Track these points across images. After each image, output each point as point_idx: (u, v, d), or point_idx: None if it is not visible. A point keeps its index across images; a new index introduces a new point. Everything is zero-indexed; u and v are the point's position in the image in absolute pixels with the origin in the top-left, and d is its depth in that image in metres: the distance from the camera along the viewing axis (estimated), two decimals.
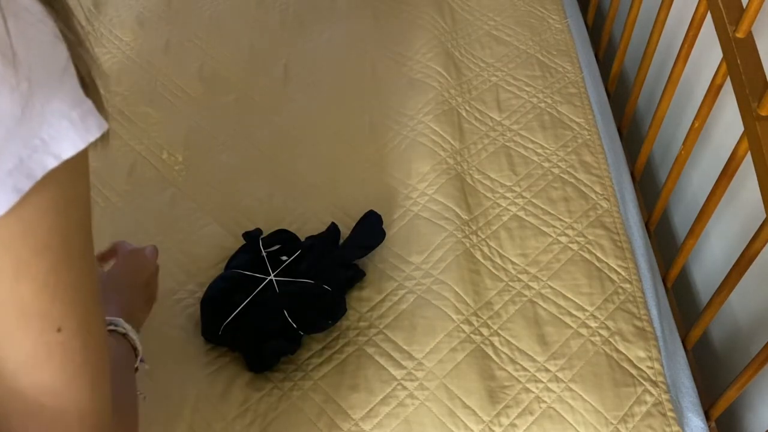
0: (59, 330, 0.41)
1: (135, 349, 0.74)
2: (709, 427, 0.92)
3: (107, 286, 0.81)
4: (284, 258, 0.97)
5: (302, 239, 1.01)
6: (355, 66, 1.32)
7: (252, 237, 1.00)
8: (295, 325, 0.91)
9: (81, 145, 0.37)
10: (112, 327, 0.73)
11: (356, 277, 0.99)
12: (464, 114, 1.23)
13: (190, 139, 1.19)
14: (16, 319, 0.40)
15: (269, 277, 0.94)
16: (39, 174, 0.36)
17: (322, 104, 1.25)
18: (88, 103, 0.38)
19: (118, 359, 0.71)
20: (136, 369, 0.74)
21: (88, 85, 0.40)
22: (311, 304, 0.92)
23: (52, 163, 0.36)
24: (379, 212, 1.04)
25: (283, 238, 1.00)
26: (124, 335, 0.73)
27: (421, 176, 1.13)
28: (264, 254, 0.97)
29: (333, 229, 1.02)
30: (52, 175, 0.37)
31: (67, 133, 0.37)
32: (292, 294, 0.93)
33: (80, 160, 0.39)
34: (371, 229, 1.02)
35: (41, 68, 0.36)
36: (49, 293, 0.40)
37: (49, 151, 0.36)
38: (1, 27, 0.34)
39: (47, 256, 0.39)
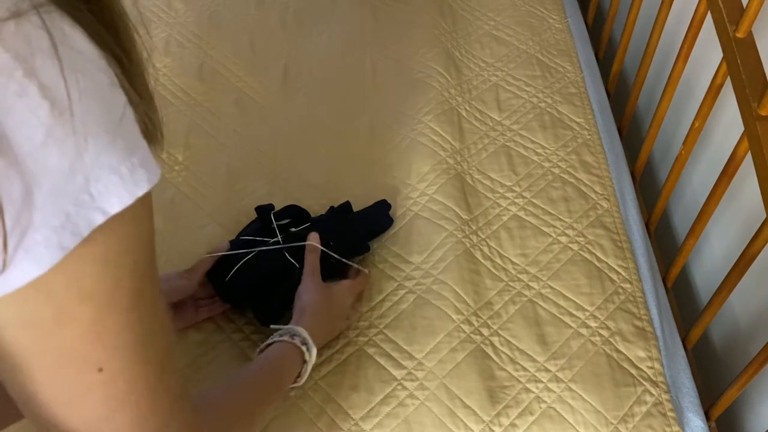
0: (100, 370, 0.40)
1: (299, 376, 0.79)
2: (709, 427, 0.92)
3: (322, 303, 0.86)
4: (293, 230, 0.99)
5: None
6: (355, 66, 1.32)
7: (264, 211, 1.01)
8: (297, 265, 0.93)
9: (129, 201, 0.36)
10: (298, 342, 0.78)
11: (360, 247, 1.01)
12: (464, 114, 1.23)
13: (190, 139, 1.19)
14: (54, 360, 0.39)
15: (275, 239, 0.96)
16: (85, 231, 0.35)
17: (322, 104, 1.25)
18: (140, 153, 0.37)
19: (271, 376, 0.75)
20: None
21: (148, 129, 0.39)
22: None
23: (99, 219, 0.35)
24: None
25: (294, 212, 1.02)
26: (305, 362, 0.79)
27: (421, 176, 1.13)
28: (275, 225, 0.98)
29: (345, 205, 1.04)
30: (101, 229, 0.36)
31: (115, 188, 0.36)
32: (296, 249, 0.95)
33: (139, 208, 0.38)
34: (379, 213, 1.05)
35: (96, 120, 0.35)
36: (91, 338, 0.39)
37: (96, 207, 0.35)
38: (60, 78, 0.33)
39: (91, 304, 0.38)
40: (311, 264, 0.92)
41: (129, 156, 0.36)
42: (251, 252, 0.94)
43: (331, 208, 1.05)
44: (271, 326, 0.83)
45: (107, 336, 0.40)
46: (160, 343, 0.44)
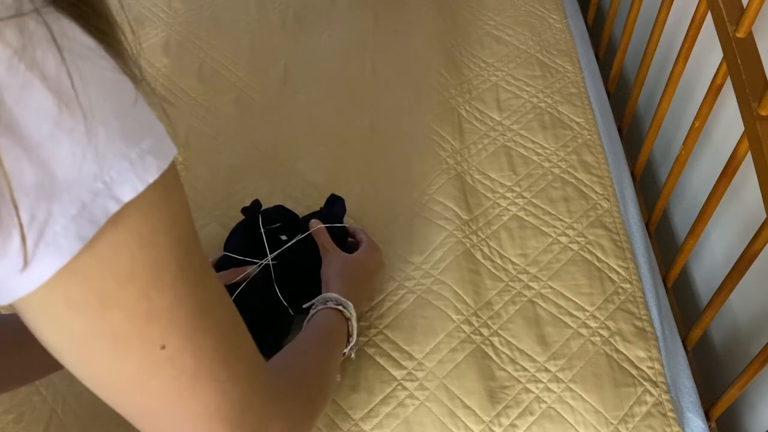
0: (163, 347, 0.40)
1: (349, 336, 0.82)
2: (709, 427, 0.92)
3: (345, 269, 0.89)
4: (284, 238, 0.97)
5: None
6: (355, 66, 1.32)
7: (252, 212, 0.99)
8: (285, 303, 0.91)
9: (140, 187, 0.36)
10: (332, 304, 0.81)
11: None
12: (464, 114, 1.23)
13: (190, 139, 1.19)
14: (111, 345, 0.39)
15: (263, 262, 0.93)
16: (102, 219, 0.35)
17: (322, 104, 1.25)
18: (151, 138, 0.37)
19: (322, 335, 0.78)
20: (344, 354, 0.81)
21: None
22: (303, 284, 0.92)
23: (114, 208, 0.35)
24: (379, 212, 1.04)
25: (285, 218, 1.00)
26: (348, 319, 0.81)
27: (421, 176, 1.13)
28: (263, 231, 0.96)
29: (337, 205, 1.02)
30: (129, 212, 0.36)
31: (127, 175, 0.36)
32: (285, 273, 0.93)
33: (166, 187, 0.38)
34: (336, 207, 1.03)
35: (104, 107, 0.35)
36: (142, 318, 0.39)
37: (110, 195, 0.35)
38: (62, 68, 0.33)
39: (134, 285, 0.38)
40: (323, 245, 0.94)
41: (139, 142, 0.36)
42: (242, 283, 0.91)
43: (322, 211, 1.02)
44: (303, 306, 0.85)
45: (159, 314, 0.39)
46: (219, 314, 0.44)
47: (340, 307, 0.81)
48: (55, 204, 0.34)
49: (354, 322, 0.82)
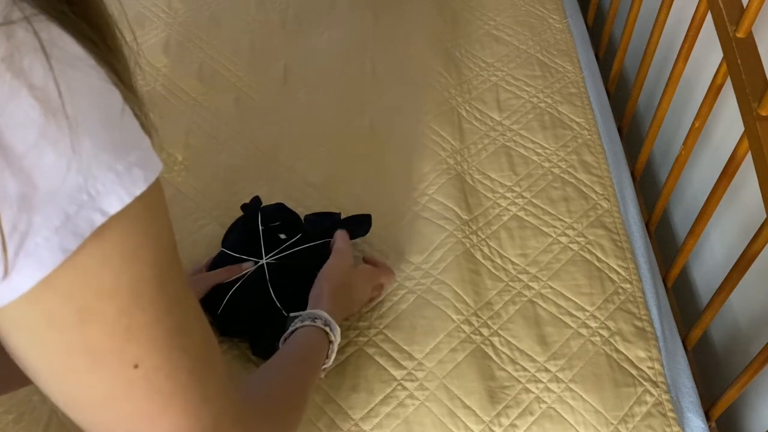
0: (136, 366, 0.40)
1: (327, 358, 0.81)
2: (709, 427, 0.92)
3: (342, 289, 0.88)
4: (283, 236, 0.96)
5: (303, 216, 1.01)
6: (355, 66, 1.32)
7: (252, 209, 0.98)
8: (279, 304, 0.90)
9: (128, 200, 0.36)
10: (320, 323, 0.80)
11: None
12: (464, 114, 1.23)
13: (190, 139, 1.19)
14: (87, 361, 0.38)
15: (260, 262, 0.93)
16: (87, 232, 0.35)
17: (322, 104, 1.25)
18: (139, 151, 0.36)
19: (304, 355, 0.77)
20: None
21: (144, 125, 0.39)
22: (299, 285, 0.91)
23: (99, 220, 0.35)
24: (379, 212, 1.04)
25: (285, 218, 0.99)
26: (330, 342, 0.80)
27: (421, 176, 1.13)
28: (261, 230, 0.96)
29: (356, 226, 1.01)
30: (113, 227, 0.36)
31: (113, 187, 0.35)
32: (281, 273, 0.93)
33: (150, 202, 0.38)
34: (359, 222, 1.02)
35: (91, 118, 0.34)
36: (120, 334, 0.38)
37: (95, 207, 0.35)
38: (50, 78, 0.33)
39: (114, 301, 0.37)
40: (339, 246, 0.93)
41: (126, 154, 0.36)
42: (238, 281, 0.91)
43: (321, 217, 1.02)
44: (290, 314, 0.84)
45: (137, 330, 0.39)
46: (196, 333, 0.44)
47: (327, 329, 0.80)
48: (36, 215, 0.33)
49: (335, 347, 0.81)
